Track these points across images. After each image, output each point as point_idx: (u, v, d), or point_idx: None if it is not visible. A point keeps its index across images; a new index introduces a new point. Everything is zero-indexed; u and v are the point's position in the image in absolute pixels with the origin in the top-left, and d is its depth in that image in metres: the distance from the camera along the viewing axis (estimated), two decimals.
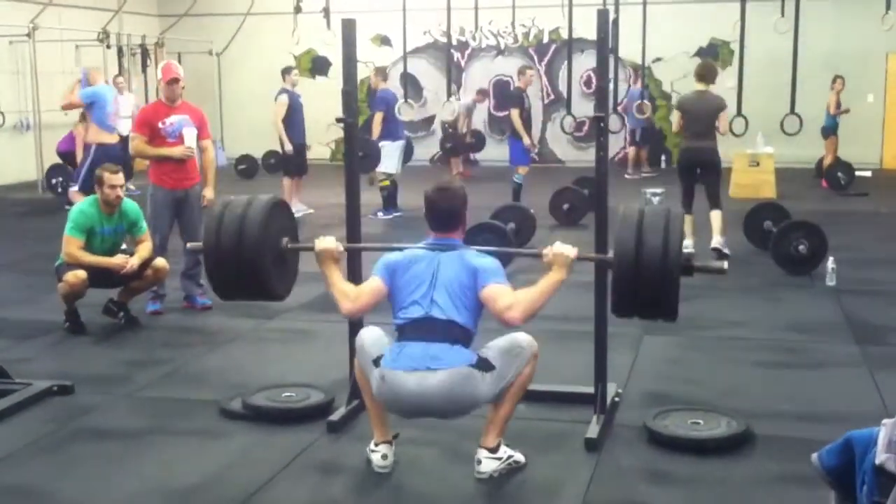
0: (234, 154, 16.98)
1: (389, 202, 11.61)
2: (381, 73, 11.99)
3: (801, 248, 7.94)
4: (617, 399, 4.88)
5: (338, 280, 4.08)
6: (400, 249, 4.11)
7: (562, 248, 3.95)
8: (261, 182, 15.73)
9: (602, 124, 4.45)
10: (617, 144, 17.46)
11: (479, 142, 17.05)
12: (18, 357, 5.80)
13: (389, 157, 11.38)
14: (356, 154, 4.90)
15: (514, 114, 11.34)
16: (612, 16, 11.94)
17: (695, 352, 5.94)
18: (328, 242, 4.16)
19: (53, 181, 13.08)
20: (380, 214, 11.47)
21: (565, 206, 10.85)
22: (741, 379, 5.39)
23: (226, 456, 4.33)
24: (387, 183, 11.53)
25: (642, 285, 3.71)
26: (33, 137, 14.44)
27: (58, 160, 13.25)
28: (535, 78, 11.67)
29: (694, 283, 7.55)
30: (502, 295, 3.83)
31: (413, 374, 3.78)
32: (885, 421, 2.21)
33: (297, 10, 13.73)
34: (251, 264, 4.02)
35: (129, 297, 6.59)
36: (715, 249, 8.69)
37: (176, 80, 6.85)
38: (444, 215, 4.04)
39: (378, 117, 11.41)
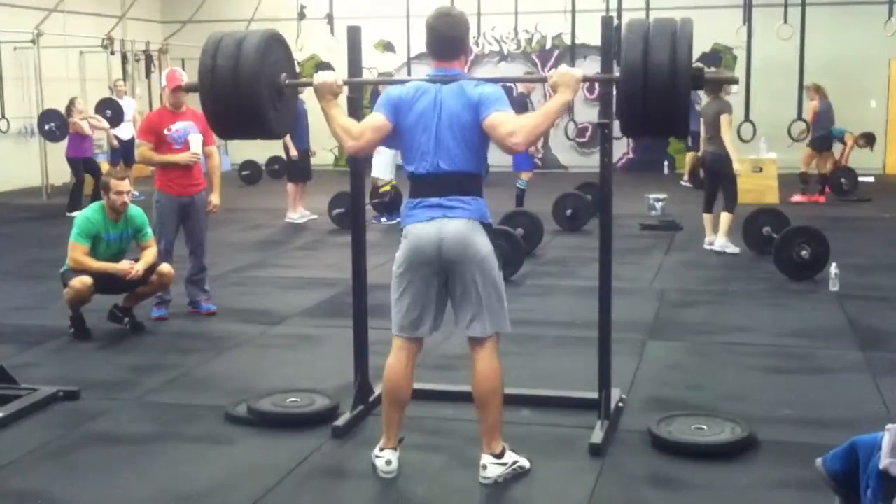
0: (238, 160, 17.01)
1: (392, 207, 11.62)
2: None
3: (803, 253, 7.96)
4: (621, 404, 4.89)
5: (339, 116, 4.05)
6: (402, 83, 4.07)
7: (567, 69, 3.97)
8: (265, 188, 15.78)
9: (606, 131, 4.46)
10: (619, 150, 17.51)
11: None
12: (24, 363, 5.83)
13: (383, 162, 11.41)
14: (359, 159, 4.91)
15: None
16: (615, 22, 12.11)
17: (698, 357, 5.95)
18: (327, 76, 4.12)
19: (46, 127, 13.05)
20: (382, 220, 11.49)
21: (568, 212, 10.87)
22: (745, 384, 5.40)
23: (231, 461, 4.35)
24: (388, 188, 11.54)
25: (650, 100, 3.65)
26: (38, 143, 14.47)
27: (50, 105, 13.29)
28: (537, 84, 11.65)
29: (697, 290, 7.69)
30: (504, 121, 3.82)
31: (432, 222, 3.89)
32: (889, 426, 2.22)
33: (301, 16, 13.78)
34: (249, 99, 3.96)
35: (134, 302, 6.61)
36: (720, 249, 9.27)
37: (180, 88, 6.88)
38: (445, 42, 3.99)
39: None
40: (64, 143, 13.07)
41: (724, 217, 9.35)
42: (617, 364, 5.47)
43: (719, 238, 9.37)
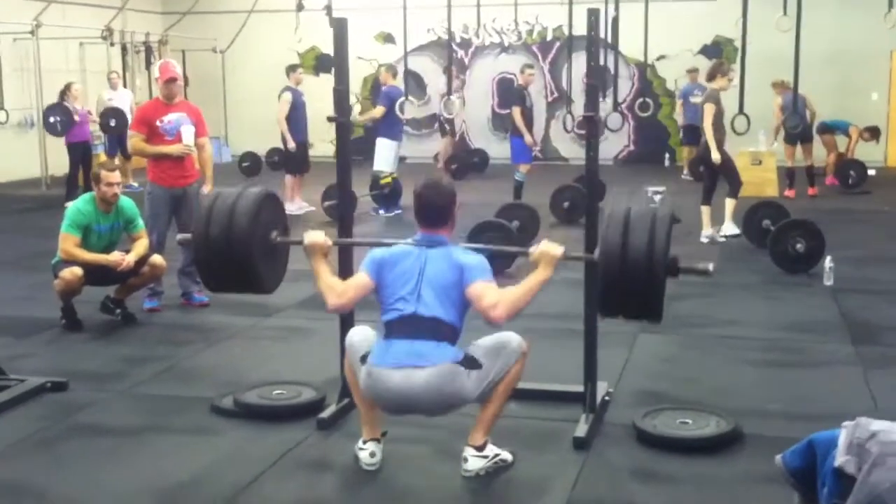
0: (238, 151, 17.00)
1: (391, 199, 11.62)
2: (392, 69, 12.04)
3: (798, 246, 7.94)
4: (608, 398, 4.89)
5: (325, 274, 4.09)
6: (388, 245, 4.12)
7: (548, 247, 3.98)
8: (264, 179, 15.75)
9: (592, 123, 4.45)
10: (620, 143, 17.48)
11: (482, 161, 16.94)
12: (16, 354, 5.84)
13: (385, 156, 11.43)
14: (349, 153, 4.91)
15: (516, 112, 11.35)
16: (612, 14, 12.08)
17: (689, 350, 5.95)
18: (317, 236, 4.17)
19: (52, 119, 12.97)
20: (381, 212, 11.49)
21: (566, 204, 10.86)
22: (734, 378, 5.39)
23: (216, 453, 4.35)
24: (389, 180, 11.54)
25: (627, 286, 3.71)
26: (37, 135, 14.47)
27: (54, 99, 13.23)
28: (536, 76, 11.63)
29: (690, 281, 7.56)
30: (487, 293, 3.84)
31: (399, 370, 3.81)
32: (845, 423, 2.21)
33: (300, 7, 13.77)
34: (239, 257, 4.03)
35: (126, 294, 6.61)
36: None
37: (173, 80, 6.88)
38: (432, 212, 4.05)
39: (378, 111, 11.49)
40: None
41: (729, 203, 9.58)
42: (606, 357, 5.48)
43: (726, 224, 9.59)
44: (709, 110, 9.33)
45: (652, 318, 3.94)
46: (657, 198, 11.83)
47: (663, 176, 14.35)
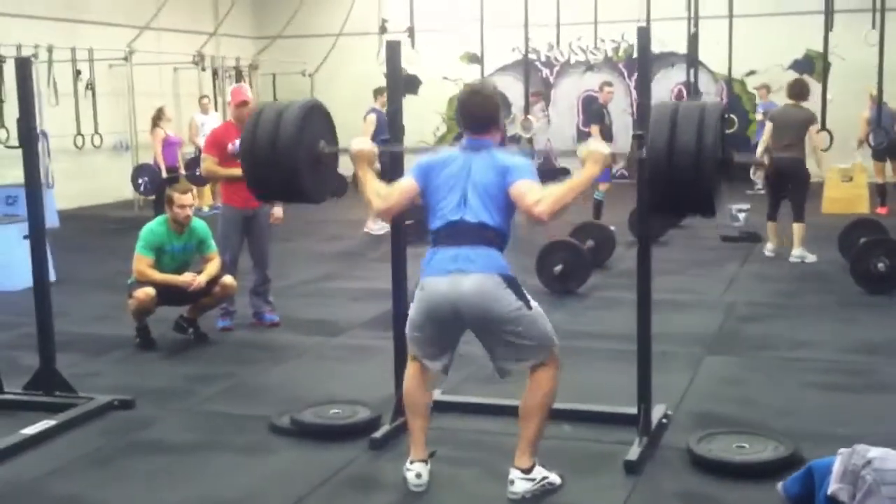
0: None
1: None
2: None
3: (880, 265, 7.70)
4: (665, 420, 4.81)
5: (371, 181, 4.13)
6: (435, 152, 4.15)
7: (596, 145, 4.03)
8: (349, 201, 15.94)
9: (642, 141, 4.39)
10: None
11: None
12: (88, 371, 6.02)
13: None
14: (399, 174, 4.93)
15: (595, 130, 11.26)
16: (692, 29, 11.95)
17: (756, 372, 5.81)
18: (363, 143, 4.23)
19: (139, 181, 13.31)
20: None
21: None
22: (800, 401, 5.26)
23: (268, 471, 4.41)
24: None
25: (676, 179, 3.66)
26: (130, 158, 14.90)
27: (145, 160, 13.51)
28: (622, 93, 11.58)
29: (766, 303, 7.50)
30: (531, 190, 3.83)
31: (447, 276, 3.85)
32: (841, 450, 2.14)
33: (383, 30, 13.90)
34: (286, 166, 4.08)
35: (198, 313, 6.76)
36: (797, 257, 9.27)
37: (245, 103, 7.01)
38: (476, 120, 4.05)
39: None
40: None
41: (799, 228, 9.29)
42: (669, 379, 5.42)
43: (795, 249, 9.29)
44: (817, 130, 9.50)
45: (705, 212, 3.90)
46: (741, 216, 11.65)
47: (750, 194, 14.06)
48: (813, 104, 10.68)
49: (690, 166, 3.64)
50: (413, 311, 4.04)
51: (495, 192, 3.89)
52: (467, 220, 3.89)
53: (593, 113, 11.81)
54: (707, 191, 3.72)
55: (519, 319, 3.89)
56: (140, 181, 13.17)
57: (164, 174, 12.42)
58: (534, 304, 3.97)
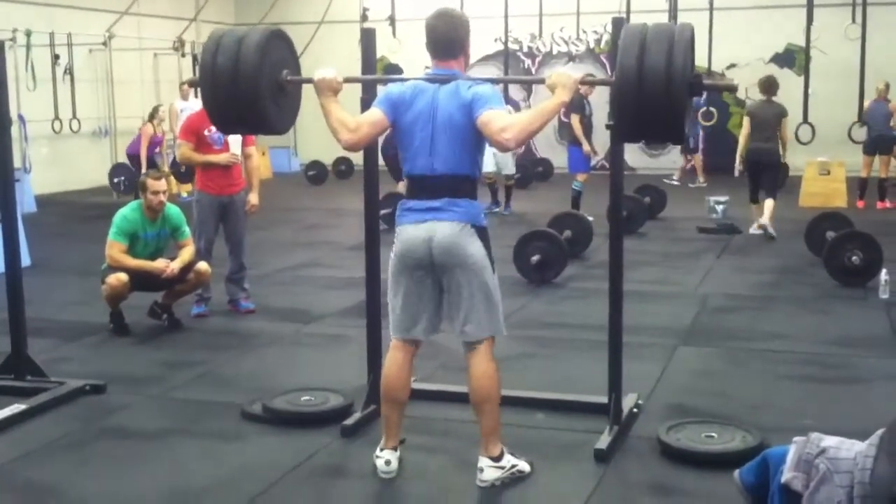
0: (306, 160, 17.18)
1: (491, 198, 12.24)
2: None
3: (854, 259, 7.74)
4: (636, 410, 4.83)
5: (336, 110, 4.02)
6: (402, 81, 4.10)
7: (563, 71, 3.99)
8: (330, 188, 15.94)
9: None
10: None
11: (546, 171, 16.84)
12: (60, 356, 6.00)
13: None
14: (376, 161, 4.93)
15: (575, 120, 11.30)
16: (671, 22, 11.93)
17: (729, 364, 5.84)
18: (327, 72, 4.11)
19: (116, 180, 13.34)
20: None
21: (623, 214, 10.72)
22: (772, 393, 5.28)
23: (238, 458, 4.40)
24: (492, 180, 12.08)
25: (645, 105, 3.60)
26: (109, 144, 14.82)
27: (124, 160, 13.55)
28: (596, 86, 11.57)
29: (741, 295, 7.53)
30: (497, 118, 3.79)
31: (423, 224, 3.91)
32: (796, 439, 2.15)
33: (364, 18, 13.86)
34: (248, 94, 3.97)
35: (172, 300, 6.73)
36: (762, 227, 10.30)
37: None
38: (443, 41, 3.99)
39: None
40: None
41: (770, 203, 10.24)
42: (641, 369, 5.45)
43: (765, 219, 10.25)
44: (787, 121, 10.28)
45: (674, 139, 3.90)
46: (720, 208, 11.72)
47: (731, 186, 14.10)
48: (795, 98, 10.76)
49: (661, 89, 3.55)
50: (390, 265, 4.05)
51: (463, 131, 3.87)
52: (438, 172, 3.90)
53: (573, 104, 11.80)
54: (678, 116, 3.65)
55: (473, 267, 3.92)
56: (116, 180, 13.19)
57: (145, 169, 12.40)
58: (495, 279, 4.00)
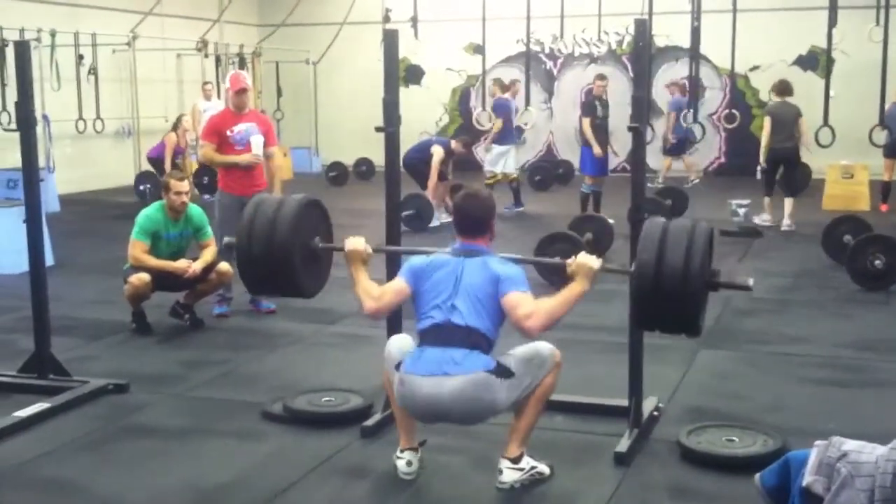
0: (329, 161, 17.23)
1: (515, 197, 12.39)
2: (499, 82, 12.57)
3: (877, 262, 7.69)
4: (656, 413, 4.82)
5: (363, 279, 4.14)
6: (427, 253, 4.15)
7: (585, 259, 3.95)
8: (352, 189, 15.96)
9: (638, 135, 4.40)
10: (710, 154, 17.26)
11: (567, 173, 16.70)
12: (84, 355, 6.04)
13: (490, 159, 12.51)
14: (396, 163, 4.95)
15: (586, 123, 11.28)
16: (694, 23, 11.91)
17: (750, 367, 5.82)
18: (357, 243, 4.22)
19: (141, 188, 13.43)
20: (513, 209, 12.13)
21: (645, 216, 10.69)
22: (792, 396, 5.26)
23: (258, 457, 4.43)
24: (492, 181, 12.17)
25: (661, 300, 3.67)
26: (132, 144, 14.90)
27: (148, 167, 13.61)
28: (606, 86, 11.54)
29: (763, 298, 7.50)
30: (523, 303, 3.83)
31: (430, 378, 3.81)
32: (817, 442, 2.15)
33: (386, 19, 13.89)
34: (280, 262, 4.09)
35: (194, 299, 6.77)
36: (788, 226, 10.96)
37: (244, 90, 7.02)
38: (470, 222, 4.07)
39: (498, 124, 12.28)
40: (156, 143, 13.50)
41: (791, 202, 10.98)
42: (662, 372, 5.43)
43: (787, 220, 10.97)
44: (804, 120, 10.88)
45: (690, 333, 3.88)
46: (742, 211, 11.65)
47: (753, 188, 14.03)
48: (818, 100, 10.69)
49: (677, 289, 3.63)
50: (395, 390, 3.99)
51: (486, 299, 3.89)
52: (455, 322, 3.87)
53: (584, 106, 11.79)
54: (693, 313, 3.73)
55: (510, 397, 3.90)
56: (142, 187, 13.29)
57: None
58: (517, 359, 3.94)
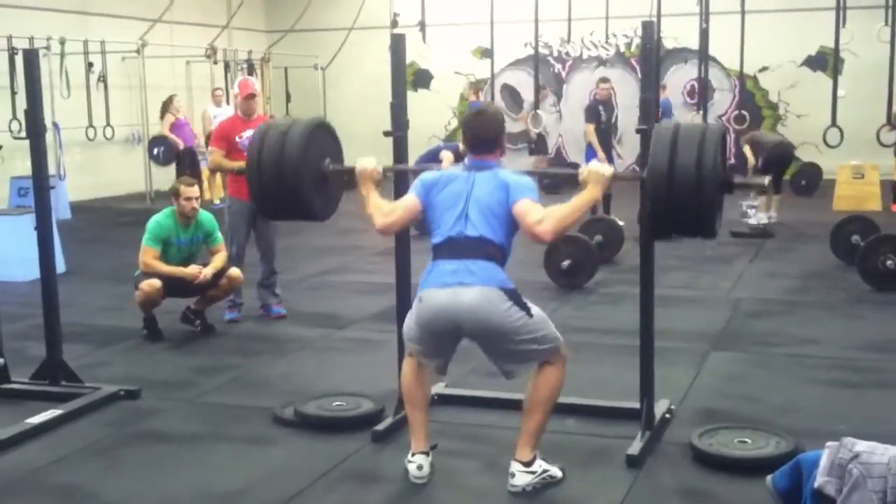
0: None
1: None
2: (473, 86, 12.27)
3: (889, 262, 7.66)
4: (668, 416, 4.81)
5: (375, 197, 4.18)
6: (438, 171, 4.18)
7: (597, 166, 4.04)
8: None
9: (646, 137, 4.38)
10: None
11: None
12: (95, 362, 6.06)
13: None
14: (407, 165, 4.95)
15: (589, 129, 11.21)
16: (703, 25, 11.92)
17: (761, 369, 5.80)
18: (367, 162, 4.27)
19: (155, 151, 13.63)
20: None
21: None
22: (804, 397, 5.24)
23: (269, 462, 4.43)
24: None
25: (675, 202, 3.67)
26: (143, 150, 14.94)
27: (160, 131, 13.91)
28: (610, 89, 11.50)
29: (774, 299, 7.48)
30: (533, 210, 3.85)
31: (446, 289, 3.85)
32: (829, 444, 2.14)
33: (394, 24, 13.91)
34: (291, 184, 4.12)
35: (205, 305, 6.78)
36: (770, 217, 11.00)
37: (252, 96, 7.04)
38: (480, 139, 4.08)
39: None
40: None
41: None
42: (674, 374, 5.43)
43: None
44: None
45: (705, 234, 3.92)
46: (751, 212, 11.63)
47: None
48: (827, 101, 10.70)
49: (691, 189, 3.63)
50: (410, 320, 4.05)
51: (497, 208, 3.90)
52: (468, 234, 3.89)
53: (587, 111, 11.72)
54: (708, 213, 3.72)
55: (521, 329, 3.88)
56: (155, 150, 13.43)
57: (181, 147, 13.11)
58: (535, 309, 3.95)
